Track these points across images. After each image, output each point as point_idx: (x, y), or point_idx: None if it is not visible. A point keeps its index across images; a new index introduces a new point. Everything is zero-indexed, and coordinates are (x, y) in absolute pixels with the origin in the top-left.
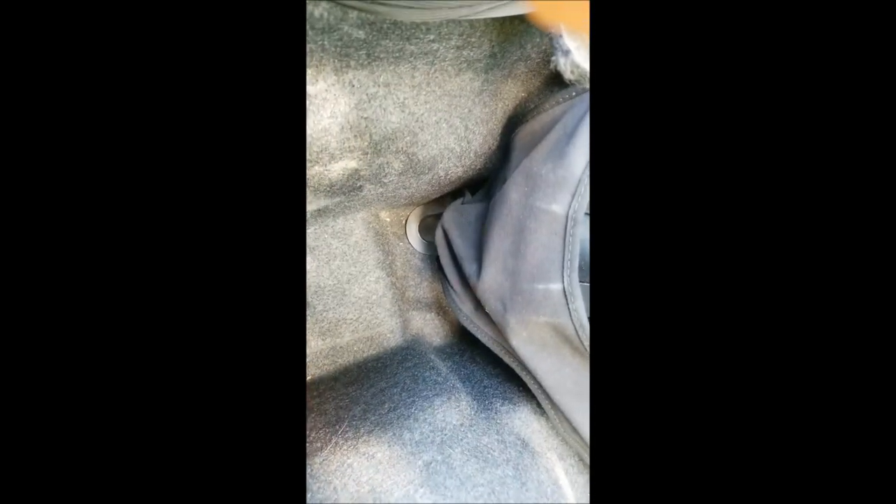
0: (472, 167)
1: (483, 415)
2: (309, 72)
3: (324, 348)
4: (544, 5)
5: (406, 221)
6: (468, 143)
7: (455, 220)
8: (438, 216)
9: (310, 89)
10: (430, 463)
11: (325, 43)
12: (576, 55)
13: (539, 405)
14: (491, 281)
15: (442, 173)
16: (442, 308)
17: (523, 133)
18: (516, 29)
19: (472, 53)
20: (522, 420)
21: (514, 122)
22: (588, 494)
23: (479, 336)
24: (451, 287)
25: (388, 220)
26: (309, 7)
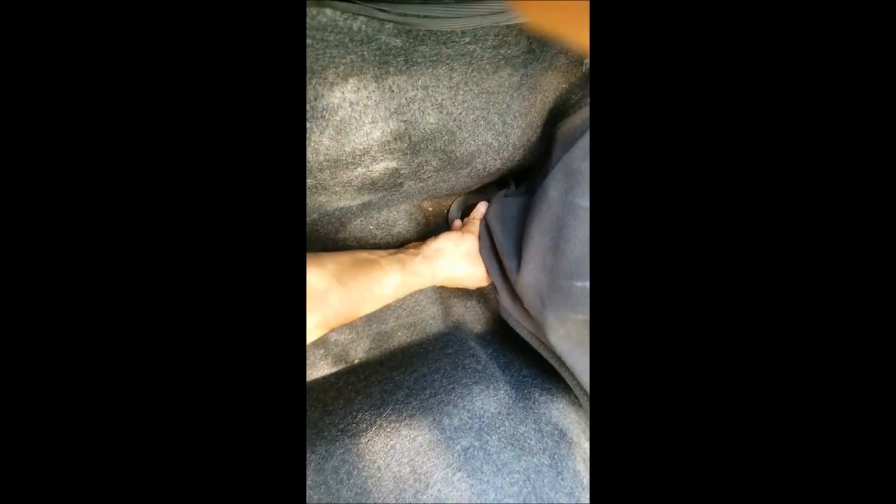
0: (511, 159)
1: (521, 404)
2: (351, 81)
3: (369, 334)
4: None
5: (448, 211)
6: (506, 137)
7: (497, 213)
8: None
9: (352, 97)
10: (468, 448)
11: (365, 53)
12: None
13: (577, 397)
14: (530, 277)
15: (480, 167)
16: (483, 296)
17: (565, 128)
18: None
19: (509, 51)
20: (560, 411)
21: (555, 115)
22: None
23: (517, 329)
24: (493, 280)
25: (430, 209)
26: (348, 22)
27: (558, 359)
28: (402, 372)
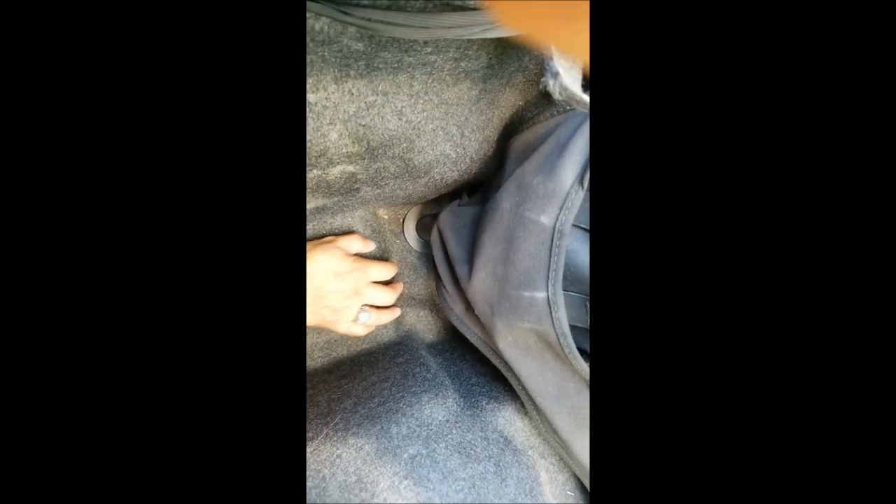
0: (468, 171)
1: (469, 412)
2: (309, 81)
3: (319, 341)
4: (537, 29)
5: (404, 220)
6: (464, 149)
7: (451, 221)
8: (435, 216)
9: (310, 97)
10: (415, 456)
11: (326, 54)
12: (564, 78)
13: (523, 405)
14: (480, 284)
15: (438, 177)
16: (435, 305)
17: (518, 142)
18: (514, 42)
19: (469, 65)
20: (507, 419)
21: (510, 130)
22: (568, 493)
23: (468, 335)
24: (444, 286)
25: (385, 217)
26: (310, 21)
27: (506, 364)
28: (350, 381)
